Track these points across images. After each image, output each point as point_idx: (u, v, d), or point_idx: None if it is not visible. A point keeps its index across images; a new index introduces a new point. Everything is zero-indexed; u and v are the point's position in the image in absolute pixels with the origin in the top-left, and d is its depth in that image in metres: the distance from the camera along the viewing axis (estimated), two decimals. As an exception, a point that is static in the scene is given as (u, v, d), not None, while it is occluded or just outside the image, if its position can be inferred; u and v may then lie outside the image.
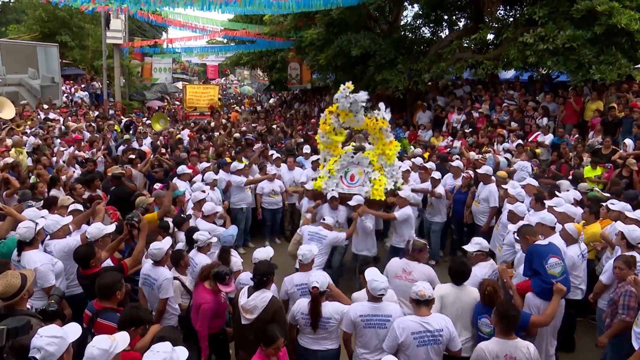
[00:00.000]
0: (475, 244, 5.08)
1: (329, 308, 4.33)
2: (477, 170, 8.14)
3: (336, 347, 4.43)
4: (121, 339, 3.09)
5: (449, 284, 4.55)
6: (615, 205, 6.18)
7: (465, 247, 5.13)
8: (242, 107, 28.81)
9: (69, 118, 15.79)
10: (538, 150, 10.65)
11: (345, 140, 8.15)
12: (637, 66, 12.42)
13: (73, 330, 3.04)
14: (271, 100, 32.61)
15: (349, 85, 7.37)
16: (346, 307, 4.31)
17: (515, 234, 5.48)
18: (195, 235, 5.44)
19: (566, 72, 11.31)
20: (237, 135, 13.79)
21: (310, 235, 6.41)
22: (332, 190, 7.29)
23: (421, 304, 3.90)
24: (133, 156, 9.77)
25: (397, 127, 12.37)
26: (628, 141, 9.30)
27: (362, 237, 7.03)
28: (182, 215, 6.55)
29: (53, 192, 7.37)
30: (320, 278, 4.29)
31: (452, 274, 4.55)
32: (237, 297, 4.32)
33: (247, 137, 13.16)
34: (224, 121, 17.23)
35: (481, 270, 4.94)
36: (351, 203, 6.93)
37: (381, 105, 7.42)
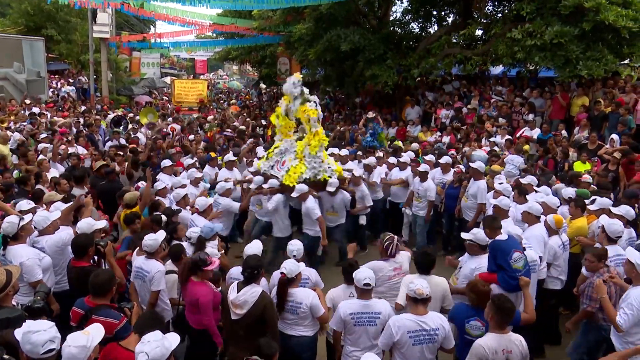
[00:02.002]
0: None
1: (301, 294, 4.40)
2: (470, 165, 8.20)
3: (310, 334, 4.47)
4: (95, 332, 3.06)
5: (415, 274, 4.58)
6: (594, 204, 6.26)
7: (475, 240, 5.05)
8: (241, 101, 28.59)
9: (56, 113, 15.58)
10: (526, 147, 10.70)
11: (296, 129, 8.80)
12: (623, 62, 12.57)
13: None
14: (254, 91, 32.37)
15: (298, 75, 8.27)
16: (314, 296, 4.41)
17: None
18: (188, 233, 5.49)
19: (554, 67, 11.41)
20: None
21: (215, 203, 7.36)
22: (264, 170, 8.14)
23: (418, 302, 3.90)
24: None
25: (373, 121, 12.44)
26: (615, 136, 9.41)
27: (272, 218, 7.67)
28: (171, 209, 6.50)
29: (37, 187, 7.28)
30: (290, 266, 4.42)
31: (419, 265, 4.61)
32: (226, 292, 4.30)
33: (225, 133, 13.06)
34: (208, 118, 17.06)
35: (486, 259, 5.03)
36: (266, 186, 7.65)
37: (314, 98, 8.07)
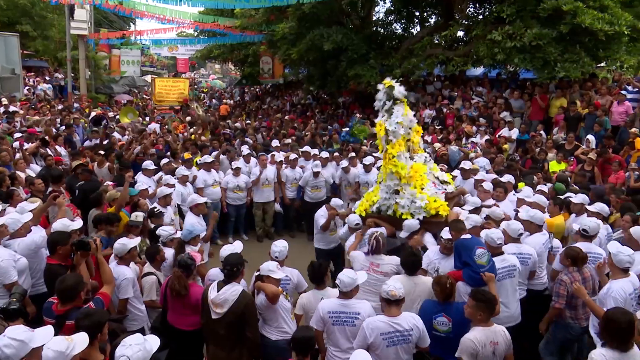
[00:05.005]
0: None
1: (259, 299, 4.38)
2: (462, 166, 8.22)
3: (274, 338, 4.38)
4: (79, 341, 2.94)
5: (402, 275, 4.61)
6: (576, 197, 6.36)
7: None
8: (231, 101, 28.34)
9: (28, 111, 15.16)
10: (506, 146, 10.86)
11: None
12: (599, 65, 12.82)
13: (41, 335, 2.89)
14: (237, 90, 32.04)
15: (388, 82, 6.19)
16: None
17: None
18: (158, 231, 5.41)
19: (533, 69, 11.59)
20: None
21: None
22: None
23: (391, 304, 3.89)
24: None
25: (352, 115, 12.46)
26: (590, 137, 9.62)
27: None
28: (154, 210, 6.40)
29: (11, 188, 7.07)
30: (265, 265, 4.45)
31: (405, 265, 4.64)
32: (206, 292, 4.26)
33: (224, 132, 13.00)
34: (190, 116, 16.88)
35: None
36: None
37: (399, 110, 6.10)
